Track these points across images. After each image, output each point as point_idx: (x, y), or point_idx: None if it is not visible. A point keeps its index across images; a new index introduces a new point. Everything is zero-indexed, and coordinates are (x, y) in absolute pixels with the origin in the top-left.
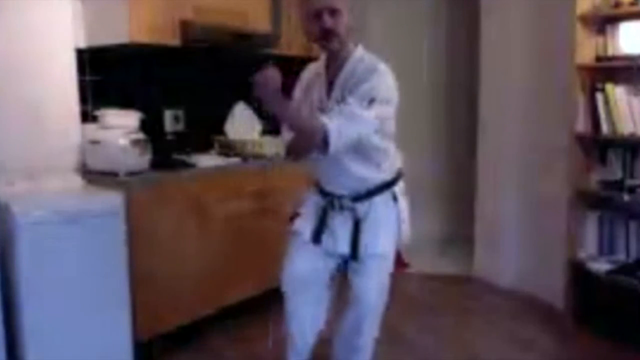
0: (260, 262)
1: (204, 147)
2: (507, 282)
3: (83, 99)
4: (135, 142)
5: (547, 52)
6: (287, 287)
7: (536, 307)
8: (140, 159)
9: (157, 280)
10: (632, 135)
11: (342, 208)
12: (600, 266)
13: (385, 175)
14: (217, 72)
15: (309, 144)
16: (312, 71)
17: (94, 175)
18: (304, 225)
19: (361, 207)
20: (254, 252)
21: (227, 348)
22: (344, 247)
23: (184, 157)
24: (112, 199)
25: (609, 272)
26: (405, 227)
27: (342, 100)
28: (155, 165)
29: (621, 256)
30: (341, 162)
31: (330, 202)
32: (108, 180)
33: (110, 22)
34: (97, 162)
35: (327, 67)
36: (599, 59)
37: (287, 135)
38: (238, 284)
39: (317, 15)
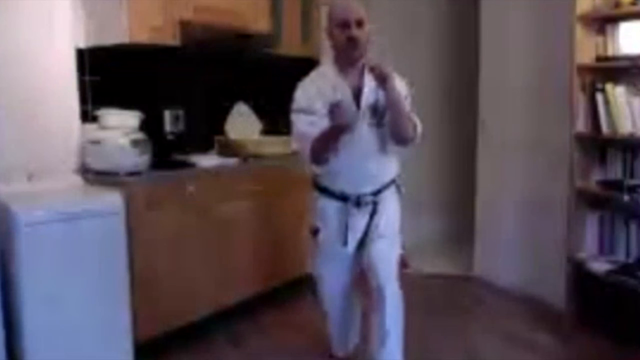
0: (260, 262)
1: (204, 147)
2: (507, 282)
3: (83, 99)
4: (135, 142)
5: (547, 52)
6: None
7: (536, 307)
8: (140, 159)
9: (157, 280)
10: (632, 135)
11: (362, 204)
12: (600, 266)
13: (392, 173)
14: (217, 72)
15: (406, 129)
16: (320, 81)
17: (94, 175)
18: (329, 234)
19: (378, 200)
20: (253, 252)
21: (226, 348)
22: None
23: (184, 157)
24: (112, 199)
25: (609, 272)
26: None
27: (374, 103)
28: (155, 165)
29: (621, 256)
30: (364, 163)
31: (355, 202)
32: (108, 180)
33: (110, 22)
34: (97, 162)
35: (343, 73)
36: (599, 59)
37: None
38: (238, 284)
39: (345, 24)
